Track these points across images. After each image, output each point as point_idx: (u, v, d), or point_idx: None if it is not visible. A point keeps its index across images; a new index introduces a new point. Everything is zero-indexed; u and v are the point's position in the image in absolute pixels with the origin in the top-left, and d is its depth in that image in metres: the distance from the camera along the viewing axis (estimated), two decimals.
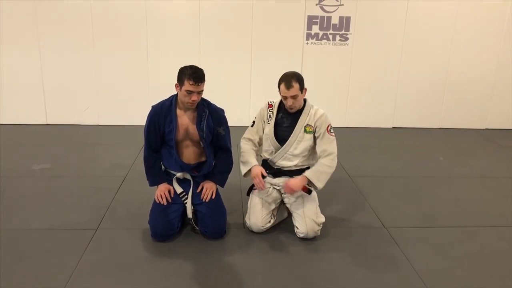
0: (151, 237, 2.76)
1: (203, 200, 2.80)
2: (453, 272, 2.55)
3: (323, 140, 2.82)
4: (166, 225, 2.73)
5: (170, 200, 2.78)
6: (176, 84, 2.67)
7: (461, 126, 5.89)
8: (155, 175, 2.88)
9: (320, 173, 2.77)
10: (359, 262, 2.62)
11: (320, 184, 2.77)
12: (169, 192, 2.81)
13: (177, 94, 2.74)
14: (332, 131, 2.85)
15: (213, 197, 2.83)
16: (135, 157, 4.29)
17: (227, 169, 2.96)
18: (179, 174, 2.85)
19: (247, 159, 2.90)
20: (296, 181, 2.76)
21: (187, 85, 2.58)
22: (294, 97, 2.73)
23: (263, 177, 2.82)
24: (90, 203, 3.27)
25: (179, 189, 2.84)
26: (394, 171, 4.24)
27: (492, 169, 4.39)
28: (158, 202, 2.78)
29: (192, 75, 2.56)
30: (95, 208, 3.19)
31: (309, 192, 2.85)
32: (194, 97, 2.62)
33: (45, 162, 4.13)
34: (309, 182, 2.78)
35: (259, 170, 2.82)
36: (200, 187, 2.85)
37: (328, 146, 2.81)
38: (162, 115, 2.73)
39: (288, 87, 2.70)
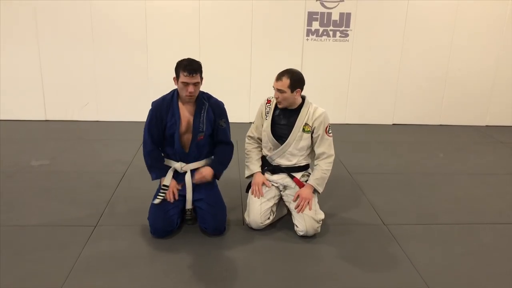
0: (151, 234, 2.76)
1: (197, 180, 2.77)
2: (453, 269, 2.55)
3: (322, 141, 2.84)
4: (166, 222, 2.73)
5: (177, 198, 2.75)
6: (174, 78, 2.69)
7: (461, 123, 5.89)
8: (160, 169, 2.83)
9: (322, 179, 2.87)
10: (358, 259, 2.62)
11: (321, 189, 2.89)
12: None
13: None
14: (330, 132, 2.86)
15: (207, 179, 2.79)
16: (134, 153, 4.28)
17: (225, 161, 2.91)
18: (177, 166, 2.82)
19: (250, 163, 2.98)
20: (308, 191, 2.83)
21: (182, 77, 2.59)
22: (280, 91, 2.74)
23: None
24: (89, 199, 3.26)
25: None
26: (394, 167, 4.23)
27: (492, 166, 4.39)
28: (168, 200, 2.73)
29: (186, 66, 2.58)
30: (94, 204, 3.19)
31: None
32: (191, 89, 2.62)
33: (44, 158, 4.12)
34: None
35: (261, 179, 2.91)
36: (198, 176, 2.78)
37: (327, 148, 2.84)
38: (163, 109, 2.73)
39: (277, 79, 2.75)
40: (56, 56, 5.24)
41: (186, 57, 2.67)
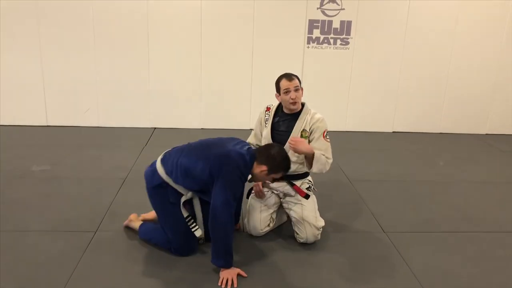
0: (175, 254, 2.64)
1: None
2: (452, 278, 2.55)
3: (317, 143, 2.77)
4: (195, 244, 2.70)
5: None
6: (263, 168, 2.51)
7: (461, 131, 5.90)
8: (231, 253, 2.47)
9: (320, 161, 2.72)
10: (358, 267, 2.62)
11: (315, 167, 2.72)
12: None
13: (253, 159, 2.54)
14: (328, 137, 2.81)
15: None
16: (135, 159, 4.29)
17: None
18: (188, 194, 2.64)
19: None
20: (305, 144, 2.69)
21: (278, 174, 2.58)
22: (296, 89, 2.75)
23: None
24: (89, 205, 3.27)
25: (185, 213, 2.64)
26: (394, 175, 4.24)
27: (492, 174, 4.39)
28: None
29: (287, 168, 2.59)
30: (95, 210, 3.19)
31: (306, 197, 2.85)
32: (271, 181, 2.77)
33: (45, 163, 4.13)
34: (309, 165, 2.74)
35: None
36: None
37: (324, 151, 2.76)
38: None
39: (290, 79, 2.76)
40: (58, 61, 5.27)
41: (276, 146, 2.61)
